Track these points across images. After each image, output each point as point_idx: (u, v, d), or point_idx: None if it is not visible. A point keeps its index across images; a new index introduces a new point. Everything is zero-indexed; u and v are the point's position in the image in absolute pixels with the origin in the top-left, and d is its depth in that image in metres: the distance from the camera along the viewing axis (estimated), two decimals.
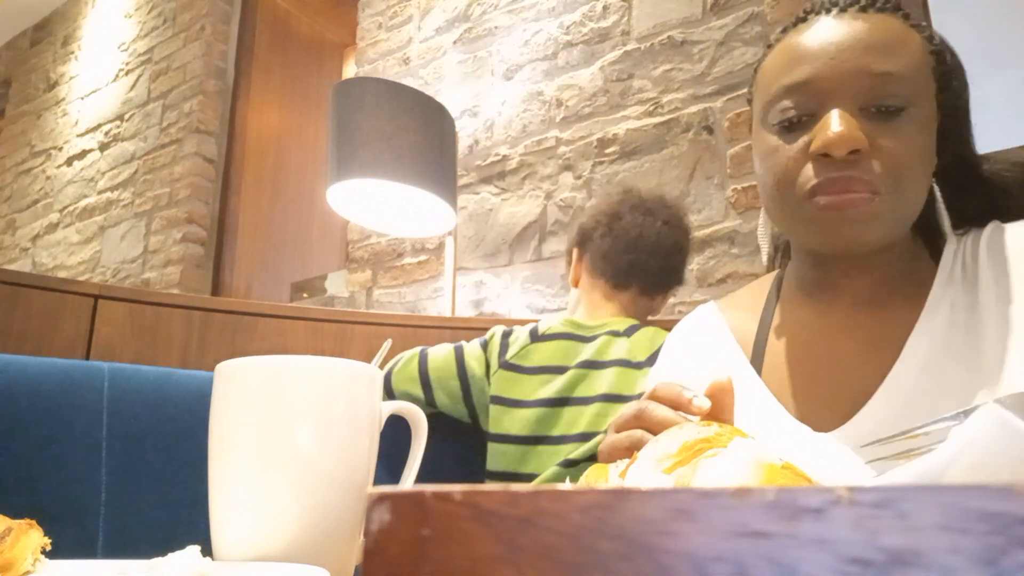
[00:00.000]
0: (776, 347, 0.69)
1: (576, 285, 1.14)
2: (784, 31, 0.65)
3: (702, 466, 0.35)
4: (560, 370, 0.97)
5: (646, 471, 0.38)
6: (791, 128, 0.61)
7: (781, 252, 0.82)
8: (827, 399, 0.63)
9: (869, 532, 0.14)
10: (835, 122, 0.57)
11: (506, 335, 1.03)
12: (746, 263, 1.59)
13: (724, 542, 0.15)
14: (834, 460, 0.59)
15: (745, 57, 1.70)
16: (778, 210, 0.63)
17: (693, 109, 1.75)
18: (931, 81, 0.61)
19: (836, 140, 0.56)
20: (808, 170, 0.59)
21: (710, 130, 1.71)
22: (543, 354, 0.99)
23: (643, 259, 1.06)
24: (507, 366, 0.99)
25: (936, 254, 0.65)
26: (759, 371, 0.68)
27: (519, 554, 0.17)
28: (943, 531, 0.14)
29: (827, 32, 0.61)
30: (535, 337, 1.01)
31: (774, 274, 0.77)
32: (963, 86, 0.64)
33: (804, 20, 0.64)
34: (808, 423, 0.62)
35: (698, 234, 1.67)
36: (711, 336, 0.74)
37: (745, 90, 1.66)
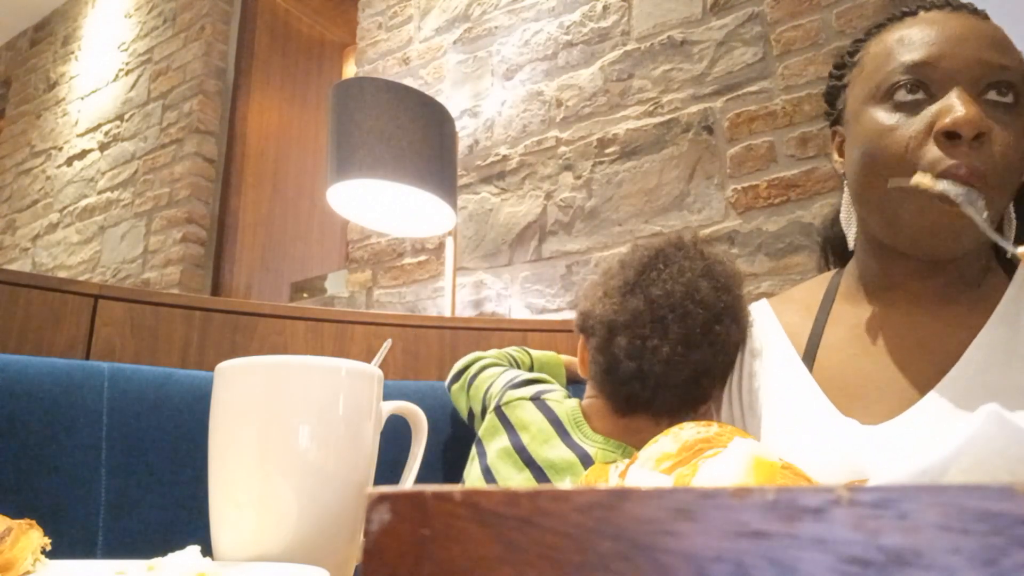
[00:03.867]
0: (830, 343, 0.68)
1: (585, 374, 0.85)
2: (889, 20, 0.66)
3: (702, 466, 0.35)
4: (514, 437, 0.83)
5: (646, 471, 0.38)
6: (910, 106, 0.60)
7: (834, 253, 0.82)
8: (878, 395, 0.62)
9: (869, 532, 0.14)
10: (963, 102, 0.56)
11: (520, 383, 0.89)
12: (746, 263, 1.59)
13: (724, 542, 0.15)
14: (878, 453, 0.58)
15: (745, 57, 1.70)
16: (882, 190, 0.61)
17: (693, 109, 1.75)
18: None
19: (967, 120, 0.55)
20: (933, 150, 0.57)
21: (710, 130, 1.71)
22: (528, 416, 0.85)
23: (647, 394, 0.75)
24: (498, 411, 0.87)
25: (1005, 262, 0.65)
26: (811, 367, 0.68)
27: (519, 554, 0.17)
28: (943, 531, 0.14)
29: (948, 22, 0.61)
30: (535, 399, 0.86)
31: (832, 273, 0.76)
32: None
33: (913, 14, 0.64)
34: (859, 418, 0.62)
35: (698, 234, 1.67)
36: (762, 334, 0.74)
37: (745, 90, 1.67)
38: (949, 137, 0.56)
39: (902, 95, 0.60)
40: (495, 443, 0.84)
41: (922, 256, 0.62)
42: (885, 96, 0.61)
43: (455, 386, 0.99)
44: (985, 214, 0.52)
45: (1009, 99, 0.57)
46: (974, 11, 0.63)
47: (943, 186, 0.53)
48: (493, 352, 1.01)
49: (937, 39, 0.60)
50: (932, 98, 0.59)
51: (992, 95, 0.58)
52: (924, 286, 0.65)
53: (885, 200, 0.60)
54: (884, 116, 0.61)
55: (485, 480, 0.82)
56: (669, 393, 0.75)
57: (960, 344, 0.60)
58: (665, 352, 0.73)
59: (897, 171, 0.59)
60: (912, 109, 0.60)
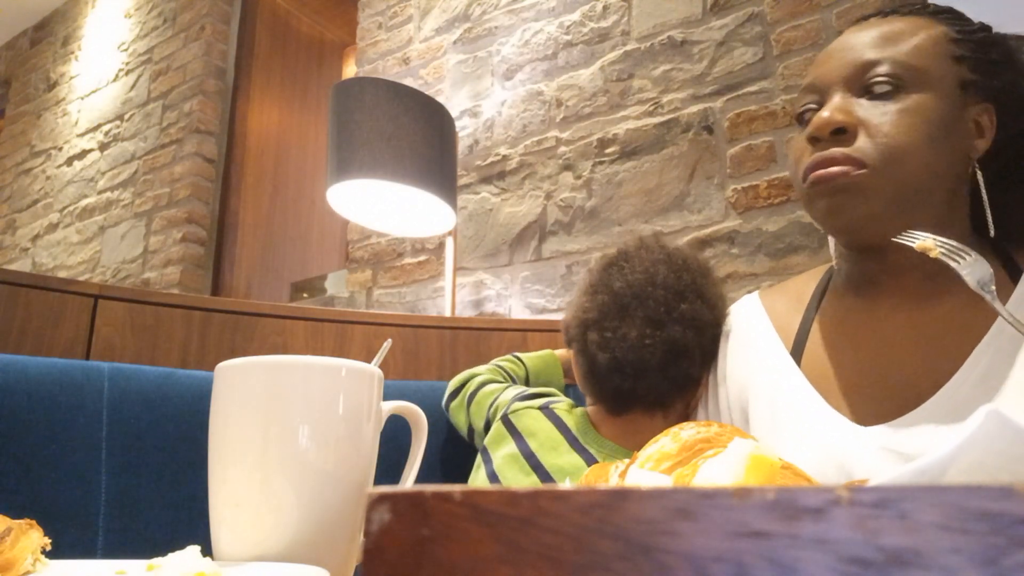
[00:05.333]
0: (819, 337, 0.69)
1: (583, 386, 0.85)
2: None
3: (702, 466, 0.35)
4: (523, 444, 0.83)
5: (646, 471, 0.38)
6: (804, 124, 0.67)
7: None
8: (871, 393, 0.62)
9: (869, 532, 0.14)
10: (827, 107, 0.63)
11: (524, 398, 0.89)
12: (746, 263, 1.59)
13: (724, 542, 0.15)
14: (871, 454, 0.58)
15: (745, 57, 1.70)
16: (799, 199, 0.70)
17: (693, 109, 1.75)
18: (948, 67, 0.62)
19: (819, 121, 0.62)
20: (806, 155, 0.64)
21: (710, 130, 1.71)
22: (536, 424, 0.84)
23: (629, 384, 0.76)
24: (505, 421, 0.87)
25: (1014, 271, 0.64)
26: (799, 360, 0.68)
27: (519, 554, 0.17)
28: (943, 531, 0.14)
29: (842, 38, 0.67)
30: (544, 408, 0.86)
31: (826, 266, 0.77)
32: (1017, 75, 0.64)
33: None
34: (848, 414, 0.62)
35: (698, 234, 1.67)
36: (750, 326, 0.75)
37: (745, 90, 1.67)
38: (816, 140, 0.63)
39: (804, 116, 0.68)
40: (501, 450, 0.84)
41: (851, 243, 0.66)
42: (798, 120, 0.69)
43: (453, 403, 0.99)
44: (979, 278, 0.51)
45: (887, 88, 0.62)
46: (888, 14, 0.67)
47: (938, 252, 0.54)
48: (487, 367, 1.01)
49: (825, 58, 0.67)
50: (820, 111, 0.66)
51: (872, 90, 0.63)
52: (899, 283, 0.65)
53: (803, 206, 0.68)
54: (796, 137, 0.69)
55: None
56: (650, 379, 0.75)
57: (957, 349, 0.60)
58: (633, 336, 0.75)
59: (795, 181, 0.67)
60: (806, 125, 0.67)
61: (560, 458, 0.79)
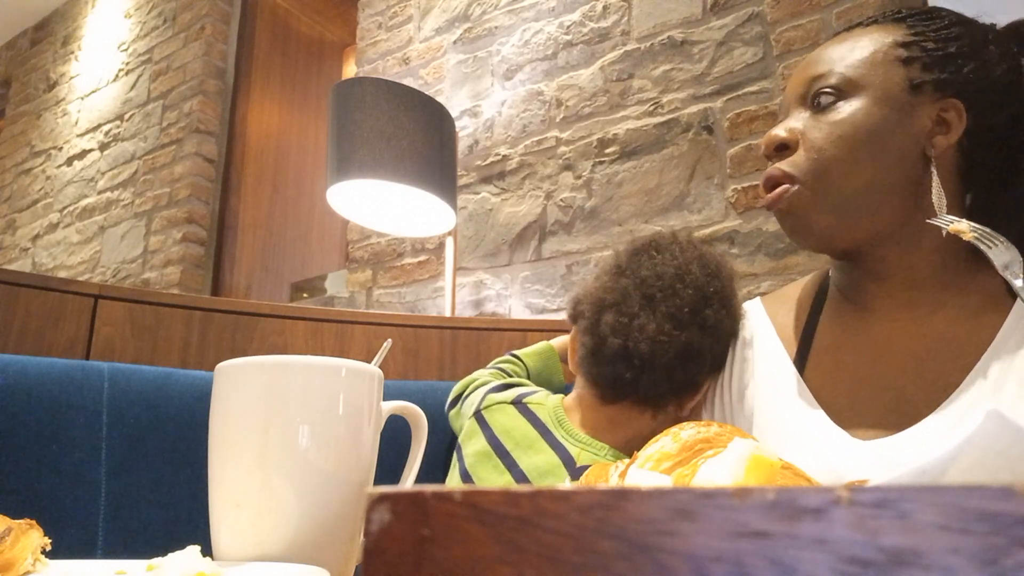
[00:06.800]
0: (821, 347, 0.68)
1: (574, 367, 0.83)
2: None
3: (702, 466, 0.35)
4: (497, 444, 0.81)
5: (646, 471, 0.38)
6: None
7: None
8: (871, 406, 0.62)
9: (869, 532, 0.14)
10: (776, 125, 0.66)
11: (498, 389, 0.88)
12: (746, 263, 1.59)
13: (724, 542, 0.15)
14: (868, 468, 0.57)
15: (745, 57, 1.70)
16: None
17: (693, 109, 1.75)
18: (892, 71, 0.63)
19: (765, 139, 0.66)
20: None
21: (710, 130, 1.71)
22: (511, 422, 0.82)
23: (632, 375, 0.73)
24: (478, 417, 0.85)
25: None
26: (802, 368, 0.68)
27: (519, 554, 0.17)
28: (943, 531, 0.14)
29: (806, 57, 0.70)
30: (517, 403, 0.83)
31: (823, 270, 0.76)
32: (982, 65, 0.63)
33: None
34: (848, 428, 0.61)
35: (698, 234, 1.67)
36: (756, 334, 0.74)
37: (745, 90, 1.67)
38: (768, 158, 0.66)
39: None
40: (471, 446, 0.82)
41: (824, 252, 0.68)
42: None
43: (452, 411, 0.97)
44: (1006, 262, 0.51)
45: (830, 100, 0.64)
46: (854, 27, 0.69)
47: (971, 236, 0.54)
48: (487, 371, 0.99)
49: (792, 75, 0.69)
50: None
51: (817, 102, 0.65)
52: (884, 289, 0.65)
53: None
54: None
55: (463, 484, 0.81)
56: (654, 375, 0.73)
57: (952, 364, 0.59)
58: (651, 330, 0.73)
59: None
60: None
61: (536, 456, 0.77)
